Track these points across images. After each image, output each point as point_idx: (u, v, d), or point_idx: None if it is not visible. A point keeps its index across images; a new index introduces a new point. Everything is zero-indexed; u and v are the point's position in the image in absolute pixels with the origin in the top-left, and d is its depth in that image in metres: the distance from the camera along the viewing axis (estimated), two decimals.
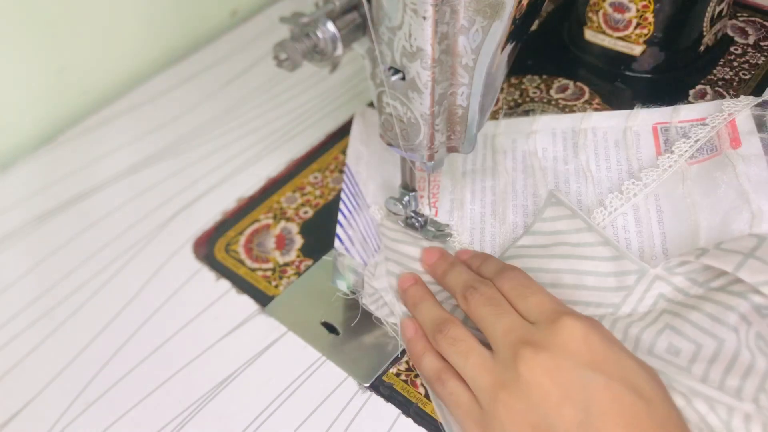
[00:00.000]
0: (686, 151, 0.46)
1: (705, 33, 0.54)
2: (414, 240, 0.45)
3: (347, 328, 0.43)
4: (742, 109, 0.46)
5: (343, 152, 0.53)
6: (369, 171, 0.50)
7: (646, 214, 0.44)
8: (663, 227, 0.43)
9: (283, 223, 0.49)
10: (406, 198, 0.44)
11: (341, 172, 0.52)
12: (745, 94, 0.48)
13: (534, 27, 0.61)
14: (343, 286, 0.44)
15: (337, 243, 0.46)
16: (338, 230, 0.46)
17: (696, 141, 0.46)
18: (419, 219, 0.45)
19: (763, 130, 0.45)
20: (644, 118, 0.49)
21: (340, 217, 0.47)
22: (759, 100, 0.46)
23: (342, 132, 0.55)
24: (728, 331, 0.36)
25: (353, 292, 0.44)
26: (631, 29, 0.53)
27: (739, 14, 0.59)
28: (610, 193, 0.45)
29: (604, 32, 0.55)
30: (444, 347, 0.37)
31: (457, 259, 0.43)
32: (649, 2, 0.51)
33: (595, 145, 0.49)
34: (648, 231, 0.43)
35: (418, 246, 0.45)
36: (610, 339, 0.33)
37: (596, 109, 0.52)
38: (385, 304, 0.42)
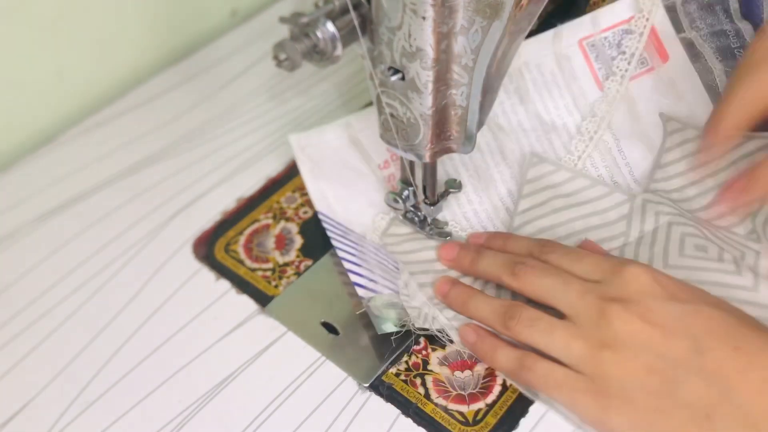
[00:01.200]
0: (627, 70, 0.46)
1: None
2: (423, 244, 0.44)
3: (347, 328, 0.43)
4: (654, 8, 0.45)
5: None
6: (340, 204, 0.48)
7: (606, 147, 0.45)
8: (625, 156, 0.45)
9: (282, 223, 0.49)
10: (406, 192, 0.44)
11: None
12: None
13: (534, 27, 0.61)
14: (390, 327, 0.42)
15: (360, 291, 0.43)
16: (353, 278, 0.44)
17: (631, 55, 0.46)
18: (418, 214, 0.45)
19: (680, 29, 0.45)
20: (568, 37, 0.47)
21: (346, 265, 0.45)
22: None
23: None
24: (730, 248, 0.39)
25: (403, 326, 0.41)
26: None
27: None
28: (571, 138, 0.46)
29: None
30: (522, 331, 0.36)
31: (476, 244, 0.43)
32: None
33: (534, 83, 0.48)
34: (613, 163, 0.45)
35: (430, 249, 0.44)
36: (670, 276, 0.35)
37: None
38: (434, 318, 0.41)
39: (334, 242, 0.46)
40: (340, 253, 0.45)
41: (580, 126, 0.46)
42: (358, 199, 0.48)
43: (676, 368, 0.32)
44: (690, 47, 0.44)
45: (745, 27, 0.44)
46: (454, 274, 0.43)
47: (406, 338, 0.41)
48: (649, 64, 0.46)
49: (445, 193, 0.44)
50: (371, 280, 0.44)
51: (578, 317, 0.34)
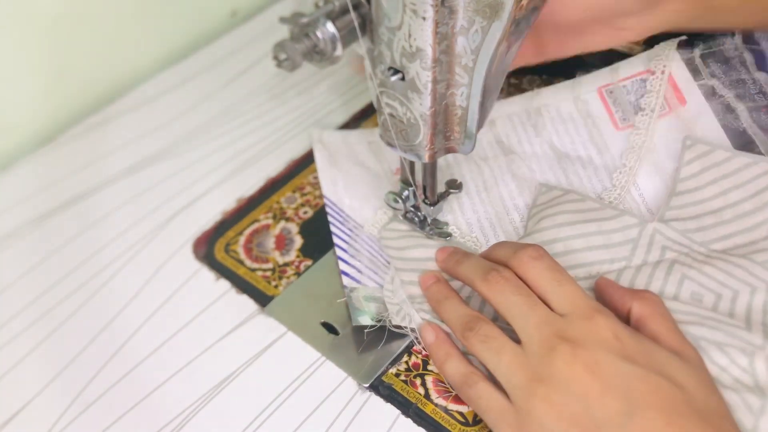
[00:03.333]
0: (649, 123, 0.46)
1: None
2: (419, 242, 0.45)
3: (347, 328, 0.43)
4: (670, 62, 0.46)
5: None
6: (348, 192, 0.49)
7: (628, 191, 0.46)
8: (639, 188, 0.45)
9: (282, 223, 0.49)
10: (406, 193, 0.44)
11: None
12: None
13: None
14: (366, 320, 0.42)
15: (345, 280, 0.44)
16: (342, 266, 0.45)
17: (651, 110, 0.46)
18: (418, 214, 0.45)
19: (699, 76, 0.46)
20: (587, 84, 0.49)
21: (338, 252, 0.45)
22: (676, 41, 0.46)
23: None
24: (741, 284, 0.38)
25: (380, 320, 0.42)
26: None
27: None
28: (584, 168, 0.47)
29: None
30: (475, 344, 0.36)
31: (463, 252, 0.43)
32: None
33: (552, 121, 0.49)
34: (627, 195, 0.45)
35: (426, 247, 0.44)
36: (639, 336, 0.34)
37: None
38: (411, 317, 0.41)
39: (332, 227, 0.47)
40: (335, 239, 0.46)
41: (601, 170, 0.47)
42: (366, 194, 0.49)
43: (600, 427, 0.31)
44: (709, 92, 0.46)
45: (761, 76, 0.46)
46: (445, 277, 0.43)
47: (381, 333, 0.42)
48: (668, 108, 0.46)
49: (445, 194, 0.44)
50: (358, 271, 0.44)
51: (530, 345, 0.34)
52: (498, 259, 0.39)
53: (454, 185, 0.44)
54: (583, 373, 0.32)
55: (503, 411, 0.34)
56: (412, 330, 0.41)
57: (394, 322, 0.41)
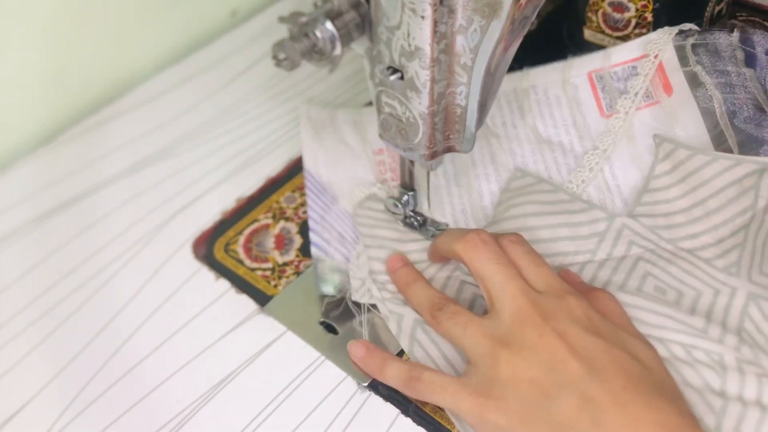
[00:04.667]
0: (630, 107, 0.47)
1: None
2: (391, 225, 0.46)
3: (346, 327, 0.43)
4: (665, 47, 0.47)
5: None
6: (329, 168, 0.51)
7: (600, 172, 0.46)
8: (616, 178, 0.46)
9: (282, 223, 0.49)
10: (405, 197, 0.44)
11: None
12: None
13: (533, 27, 0.61)
14: (329, 289, 0.44)
15: (313, 250, 0.46)
16: (312, 237, 0.46)
17: (635, 94, 0.47)
18: (418, 218, 0.45)
19: (686, 63, 0.46)
20: (578, 67, 0.50)
21: (311, 223, 0.47)
22: (677, 29, 0.47)
23: None
24: (705, 286, 0.39)
25: (341, 293, 0.44)
26: (630, 29, 0.53)
27: (738, 14, 0.59)
28: (574, 169, 0.47)
29: (603, 32, 0.55)
30: (443, 322, 0.37)
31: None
32: (649, 2, 0.51)
33: (538, 103, 0.50)
34: (604, 184, 0.46)
35: (396, 230, 0.45)
36: (607, 319, 0.35)
37: None
38: (371, 294, 0.43)
39: (308, 199, 0.49)
40: (310, 211, 0.48)
41: (582, 159, 0.47)
42: (345, 171, 0.50)
43: (560, 386, 0.32)
44: (692, 78, 0.46)
45: (749, 72, 0.46)
46: (411, 251, 0.44)
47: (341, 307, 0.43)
48: (654, 98, 0.47)
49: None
50: (327, 243, 0.46)
51: (501, 313, 0.35)
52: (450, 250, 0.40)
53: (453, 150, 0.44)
54: (550, 340, 0.33)
55: (462, 384, 0.34)
56: (372, 306, 0.42)
57: (353, 298, 0.43)
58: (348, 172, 0.50)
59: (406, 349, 0.40)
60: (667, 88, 0.46)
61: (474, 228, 0.41)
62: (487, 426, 0.34)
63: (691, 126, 0.45)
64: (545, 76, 0.51)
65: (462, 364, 0.38)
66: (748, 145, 0.43)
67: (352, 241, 0.46)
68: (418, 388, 0.36)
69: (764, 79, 0.46)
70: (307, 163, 0.51)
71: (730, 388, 0.34)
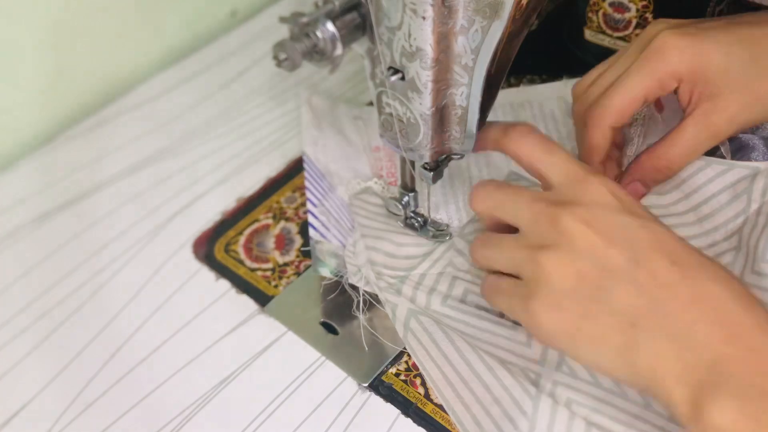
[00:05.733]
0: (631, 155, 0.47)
1: None
2: (384, 218, 0.46)
3: (347, 328, 0.43)
4: None
5: None
6: (327, 153, 0.51)
7: None
8: None
9: (282, 223, 0.49)
10: (406, 198, 0.44)
11: None
12: None
13: (534, 27, 0.61)
14: (326, 272, 0.45)
15: (311, 232, 0.46)
16: (310, 219, 0.47)
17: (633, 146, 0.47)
18: (419, 219, 0.45)
19: None
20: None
21: (309, 205, 0.47)
22: None
23: None
24: None
25: (338, 276, 0.44)
26: (631, 29, 0.53)
27: (738, 14, 0.59)
28: None
29: (604, 32, 0.55)
30: (477, 251, 0.37)
31: None
32: (649, 2, 0.51)
33: (534, 117, 0.51)
34: None
35: (390, 224, 0.46)
36: (628, 194, 0.34)
37: None
38: (367, 280, 0.43)
39: (306, 183, 0.49)
40: (308, 194, 0.48)
41: None
42: (343, 162, 0.51)
43: (610, 277, 0.32)
44: None
45: None
46: (407, 240, 0.44)
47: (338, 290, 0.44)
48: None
49: (446, 159, 0.44)
50: (325, 227, 0.47)
51: (527, 226, 0.34)
52: (489, 141, 0.39)
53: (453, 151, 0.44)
54: (585, 230, 0.32)
55: (515, 287, 0.34)
56: (366, 292, 0.43)
57: (350, 281, 0.44)
58: (346, 162, 0.51)
59: (400, 336, 0.40)
60: (659, 107, 0.47)
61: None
62: (539, 329, 0.33)
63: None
64: (541, 93, 0.52)
65: (455, 354, 0.38)
66: (740, 152, 0.44)
67: (349, 228, 0.47)
68: (484, 292, 0.37)
69: None
70: (307, 148, 0.52)
71: None
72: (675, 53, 0.39)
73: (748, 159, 0.43)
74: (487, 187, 0.37)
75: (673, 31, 0.39)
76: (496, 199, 0.36)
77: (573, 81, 0.52)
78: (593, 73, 0.44)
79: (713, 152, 0.45)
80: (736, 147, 0.44)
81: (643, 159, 0.42)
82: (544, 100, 0.52)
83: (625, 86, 0.40)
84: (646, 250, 0.32)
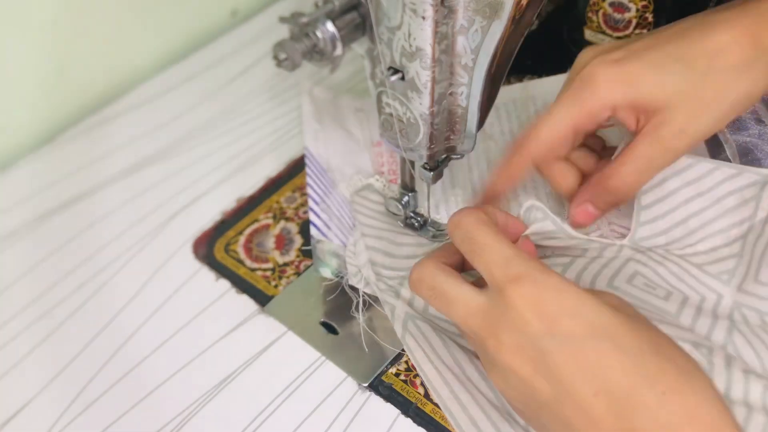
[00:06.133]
0: None
1: None
2: (385, 217, 0.46)
3: (346, 328, 0.43)
4: None
5: None
6: (328, 148, 0.51)
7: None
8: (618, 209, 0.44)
9: (282, 223, 0.49)
10: (406, 198, 0.44)
11: None
12: None
13: (534, 27, 0.61)
14: (327, 272, 0.45)
15: (313, 230, 0.46)
16: (311, 217, 0.47)
17: None
18: (418, 219, 0.45)
19: None
20: None
21: (310, 203, 0.47)
22: None
23: None
24: (691, 291, 0.39)
25: (339, 276, 0.44)
26: (631, 29, 0.53)
27: None
28: None
29: (604, 32, 0.55)
30: (423, 296, 0.35)
31: None
32: (649, 2, 0.51)
33: (537, 114, 0.51)
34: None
35: (390, 223, 0.45)
36: (559, 290, 0.31)
37: None
38: (367, 281, 0.43)
39: (308, 179, 0.49)
40: (309, 191, 0.48)
41: None
42: (345, 157, 0.51)
43: (542, 409, 0.30)
44: None
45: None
46: (407, 240, 0.44)
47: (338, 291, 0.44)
48: None
49: (446, 159, 0.43)
50: (326, 226, 0.46)
51: (464, 333, 0.35)
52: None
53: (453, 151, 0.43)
54: (513, 361, 0.31)
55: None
56: (366, 294, 0.43)
57: (350, 282, 0.44)
58: (347, 157, 0.51)
59: (399, 335, 0.40)
60: None
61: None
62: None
63: None
64: (544, 88, 0.51)
65: (450, 359, 0.38)
66: (748, 156, 0.43)
67: (350, 227, 0.47)
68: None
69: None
70: (307, 142, 0.51)
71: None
72: (603, 84, 0.37)
73: (759, 165, 0.42)
74: (426, 272, 0.35)
75: (600, 59, 0.37)
76: (435, 291, 0.34)
77: None
78: None
79: (717, 155, 0.44)
80: (743, 152, 0.43)
81: (594, 180, 0.40)
82: (548, 96, 0.51)
83: (552, 120, 0.38)
84: (568, 380, 0.29)
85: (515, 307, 0.31)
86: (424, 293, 0.35)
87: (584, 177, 0.42)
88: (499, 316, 0.31)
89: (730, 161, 0.42)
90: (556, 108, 0.38)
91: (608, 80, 0.37)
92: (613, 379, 0.28)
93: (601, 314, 0.30)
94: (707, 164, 0.41)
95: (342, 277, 0.44)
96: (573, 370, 0.29)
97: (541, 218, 0.41)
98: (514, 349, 0.30)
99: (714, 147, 0.44)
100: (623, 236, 0.43)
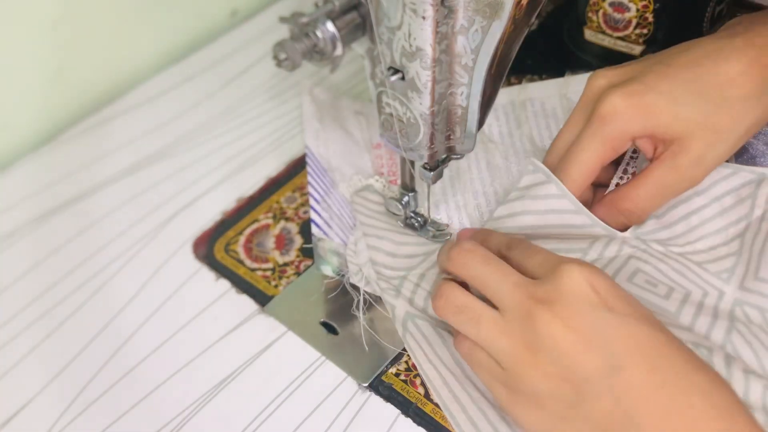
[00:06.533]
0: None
1: (705, 33, 0.54)
2: (385, 217, 0.46)
3: (347, 328, 0.43)
4: None
5: None
6: (328, 148, 0.51)
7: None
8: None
9: (282, 223, 0.49)
10: (406, 198, 0.44)
11: None
12: None
13: (534, 27, 0.61)
14: (328, 270, 0.45)
15: (314, 229, 0.46)
16: (312, 215, 0.47)
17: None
18: (419, 219, 0.45)
19: None
20: (576, 83, 0.50)
21: (311, 201, 0.47)
22: None
23: None
24: (693, 286, 0.39)
25: (340, 275, 0.44)
26: (631, 29, 0.53)
27: (738, 14, 0.59)
28: None
29: (604, 32, 0.55)
30: (448, 316, 0.36)
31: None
32: (649, 2, 0.51)
33: (535, 115, 0.51)
34: None
35: (390, 223, 0.46)
36: (610, 280, 0.33)
37: None
38: (368, 280, 0.43)
39: (309, 177, 0.49)
40: (310, 189, 0.48)
41: None
42: (345, 157, 0.51)
43: (587, 382, 0.31)
44: None
45: None
46: (407, 240, 0.44)
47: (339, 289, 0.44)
48: None
49: (447, 159, 0.43)
50: (327, 225, 0.47)
51: (507, 312, 0.34)
52: (439, 265, 0.39)
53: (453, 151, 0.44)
54: (563, 332, 0.31)
55: (495, 368, 0.34)
56: (367, 293, 0.43)
57: (351, 281, 0.44)
58: (348, 157, 0.51)
59: (400, 335, 0.40)
60: None
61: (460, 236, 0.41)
62: (515, 419, 0.34)
63: None
64: (543, 90, 0.52)
65: (449, 359, 0.38)
66: (744, 156, 0.44)
67: (351, 225, 0.47)
68: (459, 347, 0.36)
69: None
70: (308, 140, 0.52)
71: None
72: (622, 117, 0.39)
73: (753, 163, 0.43)
74: (472, 255, 0.36)
75: (617, 92, 0.39)
76: (480, 272, 0.35)
77: (575, 78, 0.52)
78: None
79: None
80: (738, 151, 0.44)
81: (607, 199, 0.42)
82: (546, 98, 0.52)
83: (581, 159, 0.40)
84: (623, 354, 0.31)
85: (571, 279, 0.32)
86: (450, 315, 0.36)
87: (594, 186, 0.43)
88: (552, 290, 0.33)
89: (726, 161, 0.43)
90: (581, 148, 0.40)
91: (627, 113, 0.39)
92: (668, 359, 0.30)
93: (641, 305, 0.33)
94: None
95: (343, 276, 0.44)
96: (630, 345, 0.31)
97: (532, 170, 0.43)
98: (567, 320, 0.32)
99: None
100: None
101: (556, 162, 0.42)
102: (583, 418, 0.31)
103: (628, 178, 0.43)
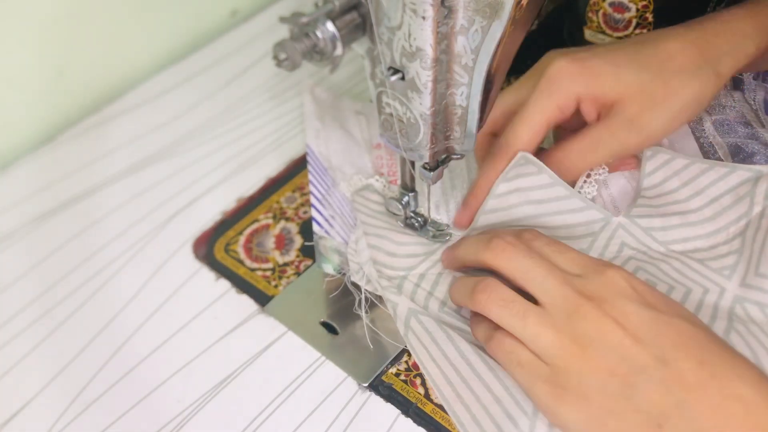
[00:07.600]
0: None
1: None
2: (386, 216, 0.46)
3: (347, 327, 0.43)
4: None
5: None
6: (329, 147, 0.51)
7: (595, 185, 0.46)
8: (609, 189, 0.45)
9: (282, 223, 0.49)
10: (406, 198, 0.44)
11: None
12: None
13: (534, 27, 0.61)
14: (329, 268, 0.45)
15: (315, 227, 0.46)
16: (314, 213, 0.47)
17: None
18: (419, 219, 0.45)
19: None
20: None
21: (312, 199, 0.47)
22: None
23: None
24: (694, 284, 0.40)
25: (341, 273, 0.44)
26: (631, 29, 0.53)
27: None
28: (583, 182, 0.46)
29: (604, 32, 0.55)
30: (492, 309, 0.36)
31: None
32: (649, 2, 0.51)
33: None
34: (599, 198, 0.45)
35: (390, 222, 0.45)
36: (645, 283, 0.35)
37: None
38: (369, 279, 0.43)
39: (310, 176, 0.49)
40: (311, 188, 0.48)
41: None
42: (346, 156, 0.51)
43: (638, 374, 0.32)
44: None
45: (736, 94, 0.49)
46: (408, 240, 0.44)
47: (339, 289, 0.44)
48: None
49: (447, 159, 0.43)
50: (329, 223, 0.47)
51: (553, 307, 0.34)
52: (469, 255, 0.40)
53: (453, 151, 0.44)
54: (613, 326, 0.33)
55: (538, 367, 0.34)
56: (368, 291, 0.43)
57: (352, 279, 0.44)
58: (348, 156, 0.51)
59: (401, 334, 0.40)
60: None
61: (490, 231, 0.41)
62: (558, 418, 0.33)
63: (684, 146, 0.46)
64: None
65: (455, 355, 0.38)
66: (740, 155, 0.44)
67: (352, 224, 0.47)
68: (496, 351, 0.36)
69: (753, 100, 0.48)
70: (309, 140, 0.52)
71: None
72: (567, 77, 0.41)
73: (750, 162, 0.43)
74: (515, 248, 0.37)
75: (564, 58, 0.41)
76: (524, 265, 0.36)
77: None
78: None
79: (711, 157, 0.45)
80: (734, 151, 0.44)
81: (544, 153, 0.44)
82: None
83: (529, 119, 0.42)
84: (672, 348, 0.32)
85: (614, 278, 0.34)
86: (495, 309, 0.36)
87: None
88: (600, 287, 0.34)
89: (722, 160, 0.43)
90: (528, 108, 0.42)
91: (572, 74, 0.41)
92: (713, 353, 0.32)
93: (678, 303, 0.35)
94: (701, 164, 0.43)
95: (344, 274, 0.44)
96: (677, 340, 0.32)
97: (523, 162, 0.43)
98: (616, 315, 0.33)
99: (707, 150, 0.46)
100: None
101: (498, 117, 0.44)
102: (633, 411, 0.32)
103: (591, 183, 0.45)
